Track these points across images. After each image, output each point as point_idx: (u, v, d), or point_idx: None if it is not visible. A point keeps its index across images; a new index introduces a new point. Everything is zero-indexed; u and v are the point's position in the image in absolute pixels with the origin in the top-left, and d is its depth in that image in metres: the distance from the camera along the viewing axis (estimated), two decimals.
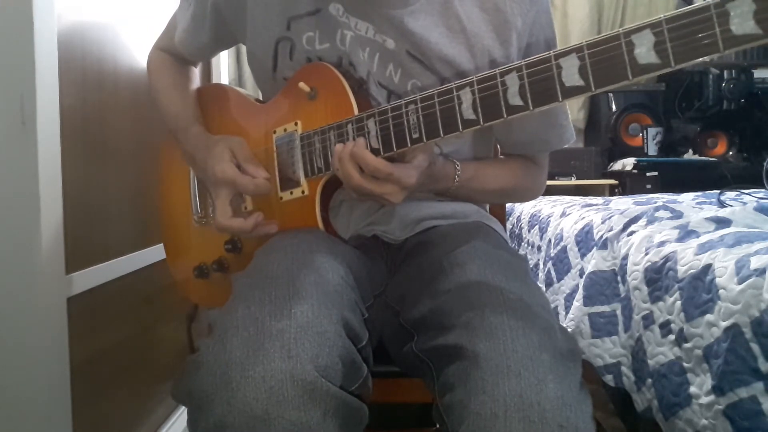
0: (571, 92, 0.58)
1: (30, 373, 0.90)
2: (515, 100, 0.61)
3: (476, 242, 0.78)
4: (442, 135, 0.66)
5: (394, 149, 0.69)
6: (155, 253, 1.26)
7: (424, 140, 0.67)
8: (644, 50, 0.54)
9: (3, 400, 0.89)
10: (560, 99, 0.59)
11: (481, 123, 0.64)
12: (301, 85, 0.77)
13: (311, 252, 0.68)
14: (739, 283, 0.79)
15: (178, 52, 0.95)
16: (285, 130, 0.80)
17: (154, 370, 1.34)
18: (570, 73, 0.58)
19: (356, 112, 0.73)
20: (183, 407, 1.08)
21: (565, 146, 0.89)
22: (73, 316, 0.97)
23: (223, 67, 1.98)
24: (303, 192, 0.78)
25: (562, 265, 1.42)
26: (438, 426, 0.61)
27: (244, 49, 3.14)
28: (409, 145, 0.68)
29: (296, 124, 0.79)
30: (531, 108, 0.61)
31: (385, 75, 0.79)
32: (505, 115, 0.62)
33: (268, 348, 0.52)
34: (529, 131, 0.85)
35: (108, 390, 1.13)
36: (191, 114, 0.90)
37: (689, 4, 2.73)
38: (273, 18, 0.81)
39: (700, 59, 0.53)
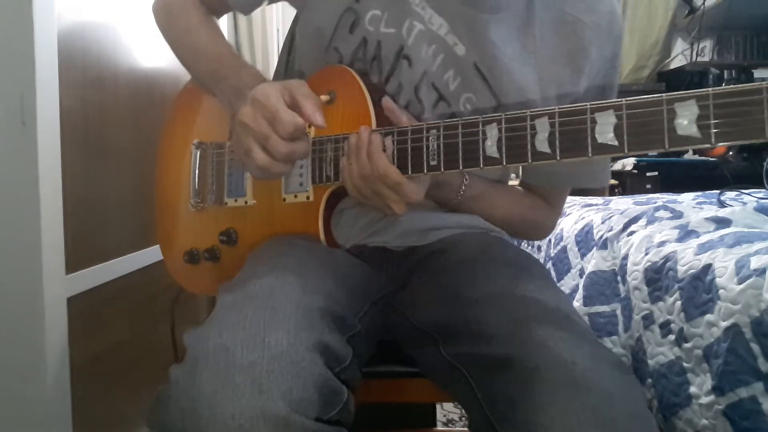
0: (602, 149, 0.56)
1: (30, 372, 0.90)
2: (543, 147, 0.59)
3: (493, 251, 0.76)
4: (461, 167, 0.64)
5: (409, 173, 0.66)
6: (155, 253, 1.26)
7: (442, 169, 0.65)
8: (686, 122, 0.52)
9: (3, 399, 0.89)
10: (590, 154, 0.56)
11: (504, 163, 0.61)
12: (323, 97, 0.74)
13: (300, 264, 0.65)
14: (739, 283, 0.79)
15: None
16: None
17: (154, 370, 1.34)
18: (604, 129, 0.56)
19: (374, 125, 0.70)
20: None
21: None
22: (73, 316, 0.97)
23: None
24: (308, 198, 0.76)
25: (562, 265, 1.42)
26: None
27: (242, 40, 3.02)
28: (425, 171, 0.66)
29: (309, 126, 0.74)
30: (558, 158, 0.58)
31: (442, 79, 0.76)
32: (529, 160, 0.60)
33: (239, 383, 0.49)
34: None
35: (108, 390, 1.13)
36: (238, 57, 0.81)
37: (690, 6, 2.70)
38: None
39: (743, 142, 0.51)
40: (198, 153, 0.89)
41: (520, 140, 0.60)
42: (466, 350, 0.63)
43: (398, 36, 0.75)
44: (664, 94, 0.53)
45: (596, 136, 0.56)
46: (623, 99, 0.55)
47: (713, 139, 0.51)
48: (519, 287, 0.66)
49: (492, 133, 0.62)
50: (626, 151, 0.55)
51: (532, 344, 0.57)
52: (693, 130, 0.52)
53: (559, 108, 0.58)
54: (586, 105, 0.56)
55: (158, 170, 0.97)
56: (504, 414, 0.55)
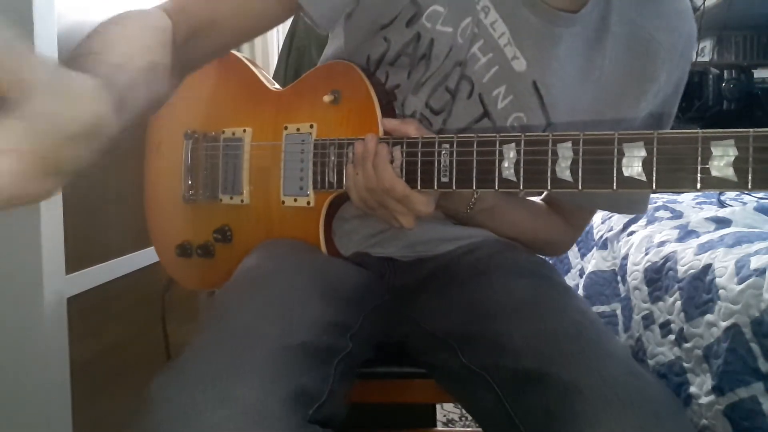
0: (628, 183, 0.51)
1: (30, 373, 0.90)
2: (564, 174, 0.55)
3: (507, 258, 0.74)
4: (474, 187, 0.60)
5: (418, 187, 0.62)
6: (155, 253, 1.26)
7: (454, 187, 0.61)
8: (722, 163, 0.47)
9: (3, 399, 0.89)
10: (614, 187, 0.52)
11: (521, 187, 0.57)
12: (326, 98, 0.70)
13: (289, 287, 0.61)
14: (739, 283, 0.79)
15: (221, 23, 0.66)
16: (298, 129, 0.73)
17: (155, 370, 1.34)
18: (632, 162, 0.51)
19: (381, 133, 0.67)
20: None
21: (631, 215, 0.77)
22: (73, 316, 0.97)
23: None
24: (308, 203, 0.73)
25: (562, 265, 1.42)
26: None
27: None
28: (435, 187, 0.61)
29: (311, 126, 0.72)
30: (579, 187, 0.54)
31: (491, 94, 0.69)
32: (549, 187, 0.55)
33: None
34: None
35: (108, 390, 1.13)
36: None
37: (690, 4, 2.71)
38: None
39: None
40: (189, 144, 0.84)
41: (540, 165, 0.56)
42: (491, 361, 0.61)
43: (453, 36, 0.68)
44: (700, 131, 0.48)
45: (622, 168, 0.52)
46: (654, 132, 0.51)
47: (750, 185, 0.46)
48: (540, 297, 0.64)
49: (509, 154, 0.57)
50: (654, 188, 0.51)
51: (565, 359, 0.55)
52: (729, 173, 0.47)
53: (584, 134, 0.54)
54: (613, 134, 0.52)
55: (147, 156, 0.93)
56: (540, 428, 0.54)
